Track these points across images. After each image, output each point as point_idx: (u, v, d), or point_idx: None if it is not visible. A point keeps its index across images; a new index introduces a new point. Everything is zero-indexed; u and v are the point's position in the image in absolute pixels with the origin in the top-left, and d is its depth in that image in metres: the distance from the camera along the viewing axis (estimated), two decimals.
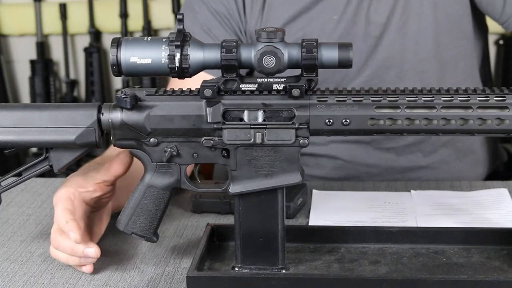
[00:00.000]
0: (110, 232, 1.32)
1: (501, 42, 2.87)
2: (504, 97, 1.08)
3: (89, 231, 1.24)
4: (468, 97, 1.08)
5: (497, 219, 1.37)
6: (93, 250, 1.19)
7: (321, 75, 1.09)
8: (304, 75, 1.08)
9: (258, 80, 1.09)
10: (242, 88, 1.10)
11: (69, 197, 1.21)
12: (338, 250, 1.23)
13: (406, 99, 1.09)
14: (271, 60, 1.06)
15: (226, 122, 1.11)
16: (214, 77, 1.13)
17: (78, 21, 2.99)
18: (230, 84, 1.09)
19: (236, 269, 1.15)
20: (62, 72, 3.08)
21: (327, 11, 1.62)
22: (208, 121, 1.11)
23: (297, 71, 1.09)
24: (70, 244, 1.19)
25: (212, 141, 1.12)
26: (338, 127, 1.10)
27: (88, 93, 3.01)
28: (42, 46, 3.01)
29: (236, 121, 1.11)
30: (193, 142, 1.13)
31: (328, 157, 1.69)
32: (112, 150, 1.19)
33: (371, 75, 1.62)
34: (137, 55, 1.07)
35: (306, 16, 1.62)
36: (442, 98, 1.08)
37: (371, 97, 1.09)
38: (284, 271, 1.15)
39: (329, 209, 1.42)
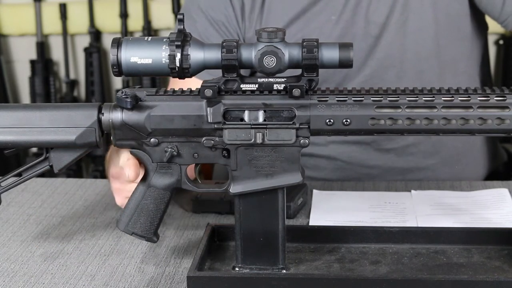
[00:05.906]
0: (111, 232, 1.32)
1: (501, 42, 2.87)
2: (505, 97, 1.08)
3: None
4: (469, 97, 1.08)
5: (497, 219, 1.37)
6: None
7: (322, 75, 1.09)
8: (305, 75, 1.08)
9: (259, 80, 1.09)
10: (243, 88, 1.09)
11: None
12: (339, 250, 1.23)
13: (407, 99, 1.09)
14: (272, 60, 1.06)
15: (227, 122, 1.10)
16: (214, 77, 1.13)
17: (78, 21, 2.99)
18: (231, 84, 1.09)
19: (237, 269, 1.15)
20: (62, 72, 3.07)
21: (326, 11, 1.61)
22: (209, 121, 1.11)
23: (298, 71, 1.09)
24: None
25: (212, 141, 1.12)
26: (338, 127, 1.09)
27: (88, 93, 3.01)
28: (42, 46, 3.01)
29: (236, 121, 1.10)
30: (193, 142, 1.13)
31: (328, 158, 1.69)
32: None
33: (371, 75, 1.62)
34: (137, 55, 1.07)
35: (304, 17, 1.62)
36: (443, 98, 1.08)
37: (372, 97, 1.09)
38: (284, 271, 1.15)
39: (330, 209, 1.42)
